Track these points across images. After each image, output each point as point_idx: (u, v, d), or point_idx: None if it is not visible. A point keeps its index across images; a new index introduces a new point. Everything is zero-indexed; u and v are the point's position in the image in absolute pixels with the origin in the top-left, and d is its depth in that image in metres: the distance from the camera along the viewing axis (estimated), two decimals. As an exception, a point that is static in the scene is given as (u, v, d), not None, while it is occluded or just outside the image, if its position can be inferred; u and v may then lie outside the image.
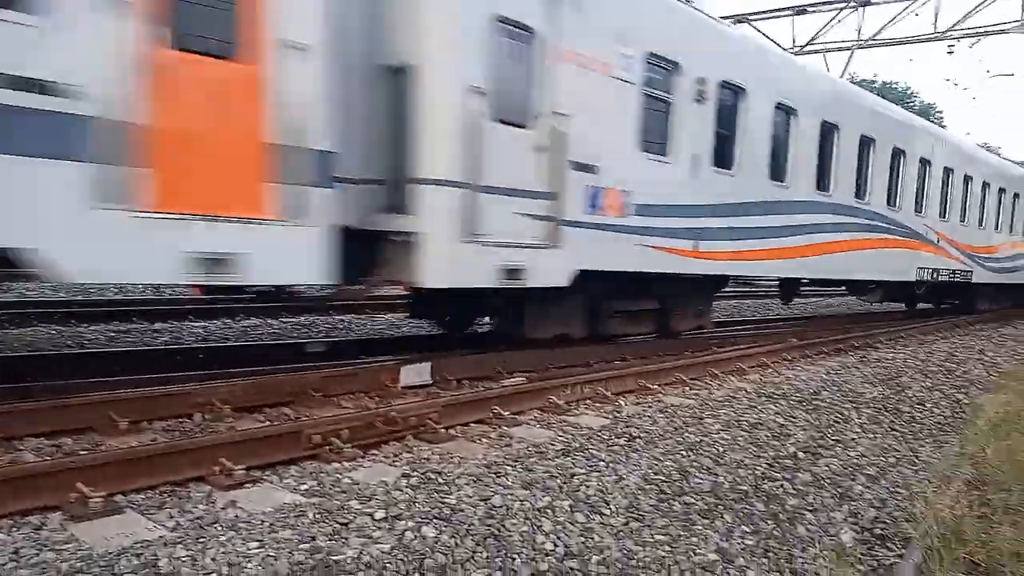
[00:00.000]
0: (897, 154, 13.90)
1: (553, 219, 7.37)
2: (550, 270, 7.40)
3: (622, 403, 6.73)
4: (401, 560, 3.17)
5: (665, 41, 8.53)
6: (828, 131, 11.71)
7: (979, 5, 19.31)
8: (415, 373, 6.80)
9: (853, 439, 6.07)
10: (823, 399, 7.24)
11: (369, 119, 6.41)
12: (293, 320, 11.72)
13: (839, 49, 22.29)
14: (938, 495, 4.62)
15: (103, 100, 4.67)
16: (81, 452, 4.50)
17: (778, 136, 10.53)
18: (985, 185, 17.99)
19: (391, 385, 6.56)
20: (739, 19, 21.69)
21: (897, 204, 14.16)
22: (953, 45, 21.23)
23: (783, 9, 21.92)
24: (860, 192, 12.89)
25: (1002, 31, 19.58)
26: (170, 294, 13.58)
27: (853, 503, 4.74)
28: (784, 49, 19.58)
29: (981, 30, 20.20)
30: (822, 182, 11.73)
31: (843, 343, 11.78)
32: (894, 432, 6.51)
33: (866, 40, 21.60)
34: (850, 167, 12.44)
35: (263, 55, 5.41)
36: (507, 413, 5.90)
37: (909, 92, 57.35)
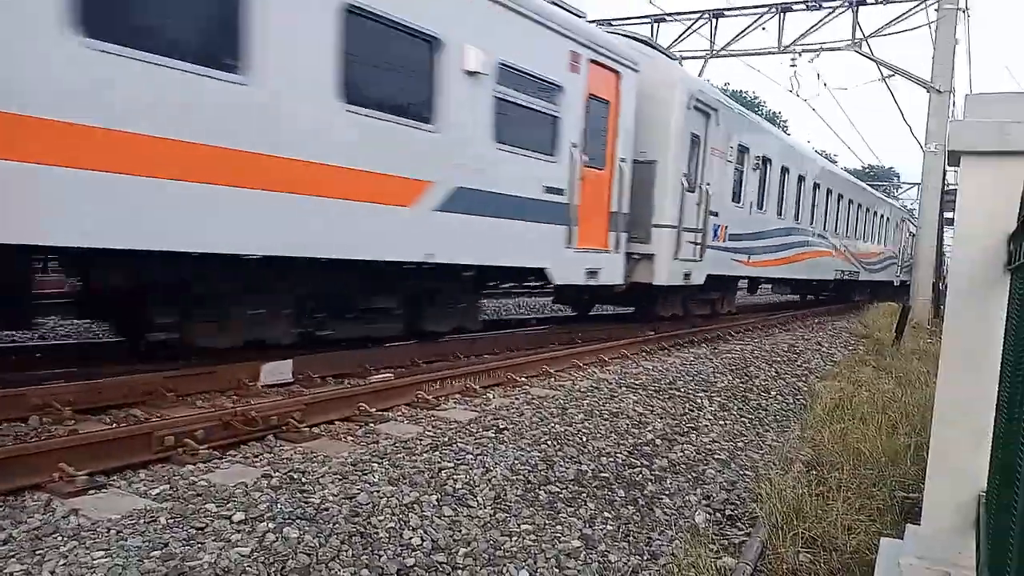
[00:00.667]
0: (829, 192, 20.64)
1: (701, 244, 12.46)
2: (699, 275, 12.57)
3: (490, 396, 6.79)
4: (262, 563, 3.06)
5: (745, 137, 14.15)
6: (800, 180, 17.87)
7: (817, 24, 20.84)
8: (275, 371, 6.58)
9: (706, 426, 6.41)
10: (678, 388, 7.60)
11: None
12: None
13: (694, 57, 23.44)
14: (781, 477, 4.96)
15: (568, 193, 9.35)
16: None
17: (781, 186, 16.64)
18: (867, 209, 25.69)
19: (250, 384, 6.32)
20: (600, 24, 22.36)
21: (826, 226, 20.59)
22: (795, 59, 22.78)
23: (643, 17, 22.85)
24: (813, 219, 19.24)
25: (836, 48, 21.21)
26: None
27: (706, 486, 5.01)
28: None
29: (818, 47, 21.82)
30: (797, 214, 17.90)
31: (696, 335, 12.41)
32: (743, 419, 6.93)
33: (718, 50, 22.82)
34: (809, 203, 18.76)
35: (612, 166, 10.39)
36: (374, 410, 5.80)
37: (757, 100, 61.09)
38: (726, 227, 13.49)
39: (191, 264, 5.82)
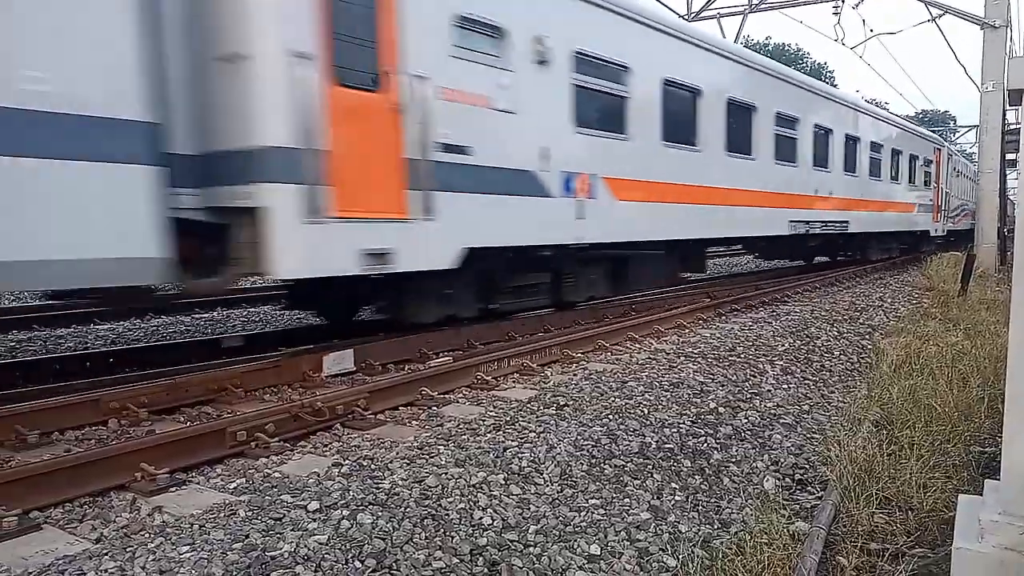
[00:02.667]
0: (963, 175, 32.37)
1: (945, 216, 26.24)
2: (944, 231, 26.49)
3: (548, 373, 6.82)
4: (339, 549, 3.14)
5: (953, 159, 29.33)
6: (960, 175, 31.67)
7: (861, -33, 20.14)
8: (338, 361, 6.71)
9: (769, 391, 6.32)
10: (738, 355, 7.51)
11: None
12: (206, 316, 11.37)
13: (732, 14, 22.89)
14: (850, 437, 4.88)
15: (932, 200, 24.49)
16: (-12, 471, 4.26)
17: (957, 181, 30.71)
18: (972, 180, 36.21)
19: (314, 375, 6.46)
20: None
21: (963, 196, 32.23)
22: (838, 6, 22.06)
23: (678, -24, 22.33)
24: (962, 195, 32.19)
25: (883, -9, 20.48)
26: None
27: (773, 452, 4.95)
28: (680, 16, 20.00)
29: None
30: (960, 194, 31.35)
31: (753, 299, 12.23)
32: (807, 381, 6.82)
33: (757, 4, 22.23)
34: (962, 186, 31.63)
35: (939, 187, 24.91)
36: (436, 393, 5.89)
37: (800, 53, 59.41)
38: (949, 206, 26.78)
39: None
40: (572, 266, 9.41)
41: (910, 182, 21.46)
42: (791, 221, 13.86)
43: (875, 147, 18.35)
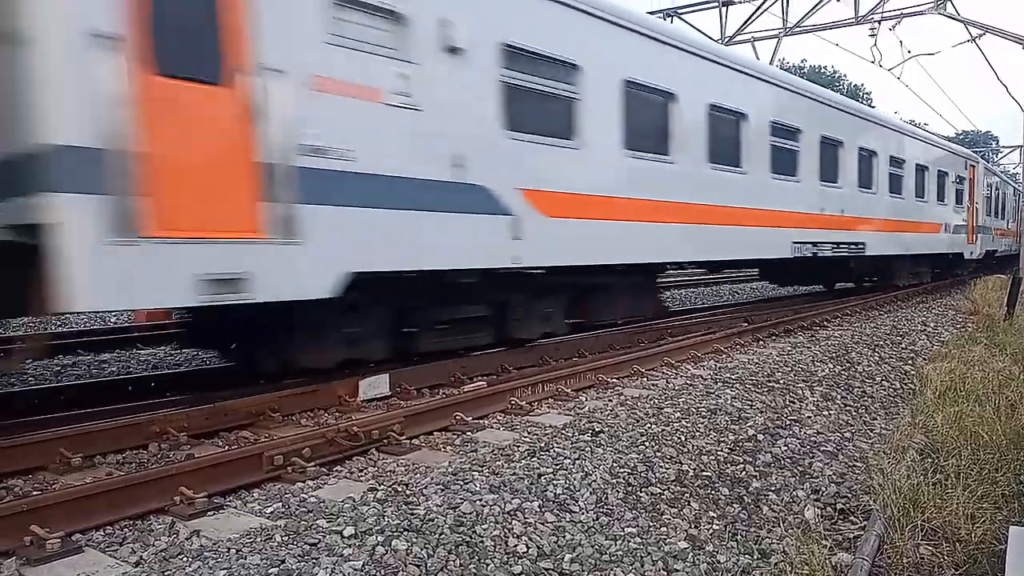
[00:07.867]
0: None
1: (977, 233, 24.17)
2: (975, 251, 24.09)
3: (583, 399, 6.77)
4: (374, 576, 3.14)
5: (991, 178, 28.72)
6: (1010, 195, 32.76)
7: (898, -12, 20.01)
8: (374, 386, 6.75)
9: (809, 417, 6.21)
10: (777, 380, 7.39)
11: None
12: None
13: (767, 37, 22.84)
14: (894, 466, 4.76)
15: (967, 221, 23.08)
16: (33, 493, 4.35)
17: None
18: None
19: (350, 399, 6.50)
20: (668, 13, 22.04)
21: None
22: (875, 28, 21.89)
23: (711, 1, 22.36)
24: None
25: (919, 12, 20.28)
26: (114, 322, 13.22)
27: (814, 480, 4.85)
28: (714, 41, 20.03)
29: (898, 13, 20.92)
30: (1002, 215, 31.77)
31: (792, 324, 12.04)
32: (848, 407, 6.69)
33: (791, 27, 22.16)
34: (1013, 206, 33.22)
35: (973, 206, 23.57)
36: (470, 418, 5.88)
37: (837, 76, 58.95)
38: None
39: None
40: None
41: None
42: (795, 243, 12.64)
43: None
